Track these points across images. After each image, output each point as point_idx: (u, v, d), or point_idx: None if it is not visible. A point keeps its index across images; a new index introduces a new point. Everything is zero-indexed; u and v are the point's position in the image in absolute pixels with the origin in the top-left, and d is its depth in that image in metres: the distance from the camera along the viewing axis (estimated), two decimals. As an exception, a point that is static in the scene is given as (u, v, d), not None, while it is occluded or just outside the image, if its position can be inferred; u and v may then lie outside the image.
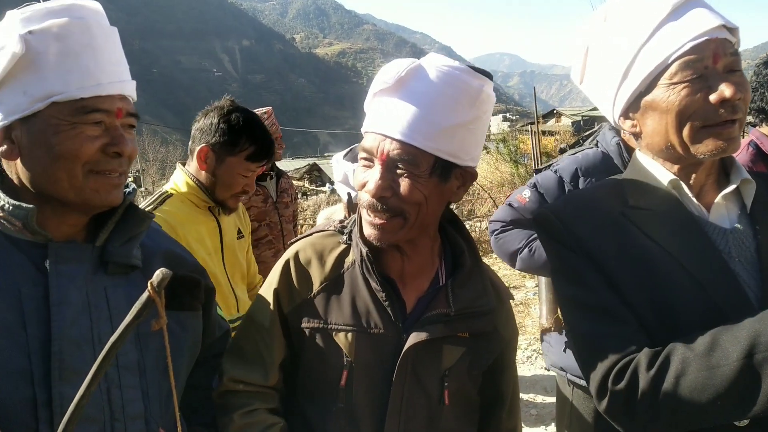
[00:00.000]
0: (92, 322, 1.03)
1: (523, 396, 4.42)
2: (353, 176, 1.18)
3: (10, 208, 1.01)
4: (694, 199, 1.12)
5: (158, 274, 0.72)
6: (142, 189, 22.93)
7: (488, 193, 14.06)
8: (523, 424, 4.02)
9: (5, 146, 1.01)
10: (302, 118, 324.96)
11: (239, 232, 2.30)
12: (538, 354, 5.11)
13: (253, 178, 2.11)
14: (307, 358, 1.23)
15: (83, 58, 1.00)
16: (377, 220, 1.13)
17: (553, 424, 3.97)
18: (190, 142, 2.10)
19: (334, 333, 1.19)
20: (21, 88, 0.97)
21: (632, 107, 1.14)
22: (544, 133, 21.04)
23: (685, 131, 1.07)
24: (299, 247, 1.28)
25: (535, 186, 2.41)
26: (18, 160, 1.02)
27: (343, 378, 1.18)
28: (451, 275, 1.26)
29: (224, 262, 2.13)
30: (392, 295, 1.20)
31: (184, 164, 2.13)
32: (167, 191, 2.05)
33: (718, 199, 1.12)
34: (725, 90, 1.01)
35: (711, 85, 1.03)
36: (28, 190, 1.03)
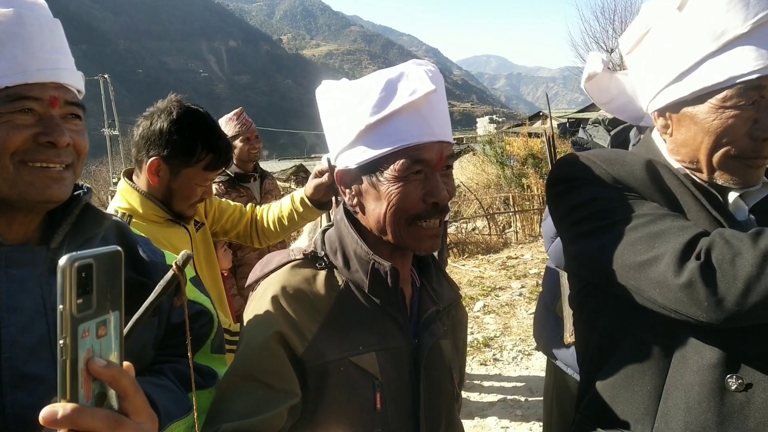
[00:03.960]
0: (49, 326, 0.99)
1: (508, 397, 4.45)
2: (385, 192, 1.06)
3: None
4: (711, 188, 1.11)
5: (183, 254, 0.79)
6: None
7: (474, 195, 14.12)
8: (508, 424, 4.06)
9: None
10: (289, 120, 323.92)
11: (197, 223, 2.13)
12: (523, 355, 5.14)
13: (211, 184, 1.97)
14: (333, 394, 1.08)
15: (9, 47, 0.96)
16: (437, 230, 1.10)
17: (537, 424, 3.99)
18: (133, 150, 1.87)
19: (359, 359, 1.09)
20: None
21: (672, 109, 1.11)
22: (530, 134, 21.12)
23: (717, 156, 1.05)
24: (280, 282, 1.11)
25: None
26: None
27: (378, 401, 1.09)
28: (420, 273, 1.26)
29: (203, 267, 2.07)
30: (403, 307, 1.15)
31: (129, 176, 1.93)
32: (122, 211, 1.84)
33: (737, 195, 1.10)
34: None
35: (759, 118, 1.01)
36: None
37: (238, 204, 2.38)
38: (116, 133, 28.49)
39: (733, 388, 1.00)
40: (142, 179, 1.87)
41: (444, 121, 1.09)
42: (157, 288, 0.79)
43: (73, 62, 1.09)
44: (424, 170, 1.05)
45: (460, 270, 9.07)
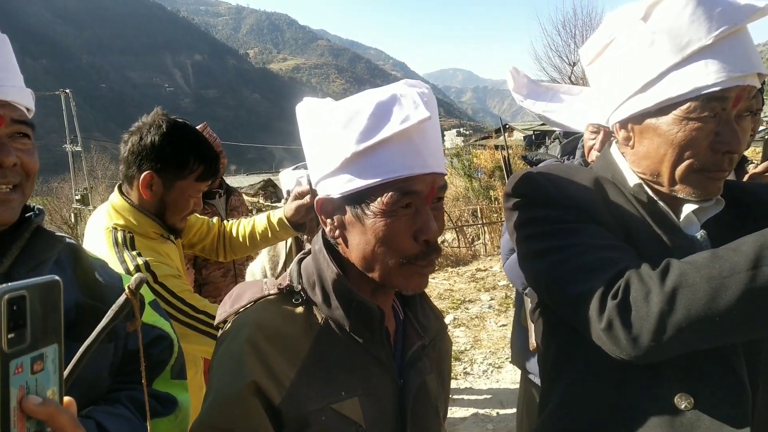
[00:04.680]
0: None
1: (479, 410, 4.44)
2: (372, 227, 0.97)
3: None
4: (662, 204, 1.11)
5: (136, 277, 0.79)
6: (90, 207, 22.22)
7: (443, 208, 14.20)
8: (479, 439, 4.04)
9: None
10: (257, 134, 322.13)
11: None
12: (494, 368, 5.15)
13: (201, 196, 1.98)
14: None
15: None
16: (430, 269, 1.01)
17: (509, 438, 3.98)
18: (122, 167, 1.86)
19: (341, 405, 0.99)
20: None
21: (635, 120, 1.10)
22: (497, 147, 21.42)
23: (680, 168, 1.05)
24: (254, 321, 0.99)
25: None
26: None
27: None
28: (404, 304, 1.17)
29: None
30: (388, 345, 1.06)
31: (120, 191, 1.89)
32: (121, 229, 1.81)
33: (690, 210, 1.10)
34: (733, 144, 1.00)
35: (720, 131, 1.00)
36: None
37: (205, 218, 2.36)
38: (79, 149, 27.88)
39: (682, 406, 1.00)
40: (133, 195, 1.86)
41: (437, 150, 0.99)
42: (108, 313, 0.77)
43: (22, 79, 1.06)
44: (414, 203, 0.96)
45: (430, 283, 9.06)
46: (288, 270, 1.13)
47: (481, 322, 6.59)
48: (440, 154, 1.01)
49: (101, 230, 1.82)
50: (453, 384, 4.90)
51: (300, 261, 1.11)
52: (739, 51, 0.99)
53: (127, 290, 0.77)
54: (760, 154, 2.36)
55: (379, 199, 0.94)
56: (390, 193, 0.94)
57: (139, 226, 1.84)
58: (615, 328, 0.95)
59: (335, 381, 1.00)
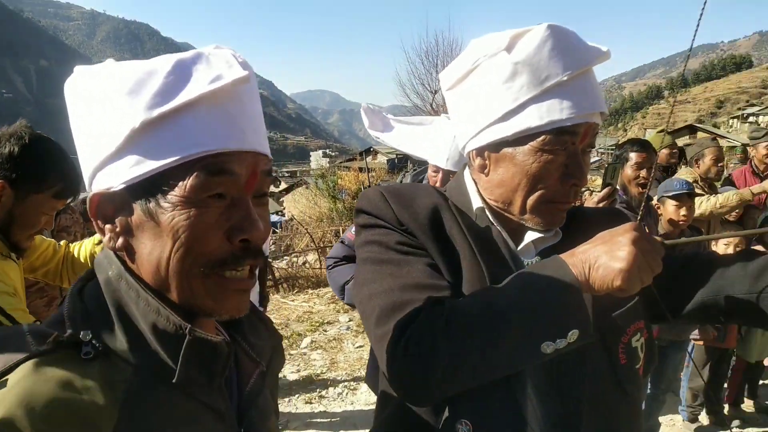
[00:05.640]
0: None
1: (333, 434, 4.41)
2: (169, 224, 0.71)
3: None
4: (503, 233, 1.13)
5: None
6: None
7: (306, 229, 14.11)
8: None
9: None
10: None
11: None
12: (349, 390, 5.16)
13: (53, 216, 1.85)
14: None
15: None
16: (248, 282, 0.78)
17: (362, 460, 4.00)
18: None
19: None
20: None
21: (492, 149, 1.10)
22: (361, 169, 21.79)
23: (532, 199, 1.08)
24: (21, 399, 0.61)
25: None
26: None
27: None
28: (228, 325, 0.92)
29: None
30: (225, 389, 0.82)
31: None
32: None
33: (531, 239, 1.14)
34: (579, 177, 1.05)
35: (569, 164, 1.05)
36: None
37: (52, 240, 2.20)
38: None
39: None
40: None
41: (259, 127, 0.77)
42: None
43: None
44: (229, 192, 0.73)
45: (289, 306, 8.94)
46: (62, 308, 0.76)
47: (339, 344, 6.60)
48: (263, 131, 0.79)
49: None
50: (307, 408, 4.84)
51: (80, 293, 0.77)
52: (588, 90, 1.05)
53: None
54: (598, 181, 2.64)
55: (180, 183, 0.70)
56: (195, 174, 0.70)
57: None
58: (401, 373, 0.97)
59: None
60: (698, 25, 1.06)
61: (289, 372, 5.75)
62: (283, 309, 8.69)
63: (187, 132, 0.69)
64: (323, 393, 5.15)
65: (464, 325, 0.93)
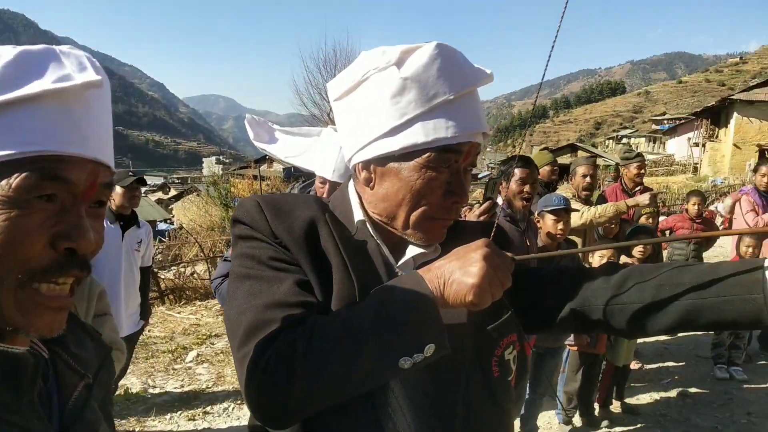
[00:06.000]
0: None
1: (217, 451, 4.24)
2: None
3: None
4: (382, 247, 1.12)
5: None
6: None
7: (195, 239, 13.59)
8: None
9: None
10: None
11: None
12: (236, 405, 5.00)
13: None
14: None
15: None
16: (66, 301, 0.71)
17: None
18: None
19: None
20: None
21: (378, 162, 1.09)
22: (255, 177, 21.36)
23: (415, 215, 1.07)
24: None
25: None
26: None
27: None
28: (49, 339, 0.79)
29: None
30: (40, 405, 0.74)
31: None
32: None
33: (412, 255, 1.13)
34: (461, 195, 1.06)
35: (452, 181, 1.06)
36: None
37: None
38: None
39: None
40: None
41: (105, 136, 0.73)
42: None
43: None
44: (61, 197, 0.67)
45: (176, 318, 8.55)
46: None
47: (226, 357, 6.38)
48: (109, 143, 0.75)
49: None
50: (190, 425, 4.63)
51: None
52: (472, 110, 1.07)
53: None
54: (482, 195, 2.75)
55: (5, 181, 0.63)
56: (25, 174, 0.64)
57: None
58: (258, 398, 0.94)
59: None
60: (549, 56, 1.10)
61: (172, 388, 5.48)
62: (169, 321, 8.30)
63: (24, 128, 0.64)
64: (208, 409, 4.95)
65: (323, 345, 0.91)
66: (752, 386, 5.23)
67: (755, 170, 6.14)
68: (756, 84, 38.02)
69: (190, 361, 6.31)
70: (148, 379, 5.76)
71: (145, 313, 4.45)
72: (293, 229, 1.08)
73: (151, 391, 5.44)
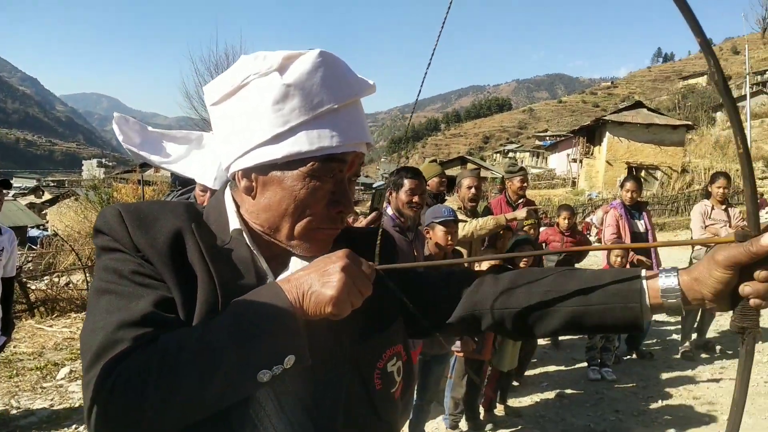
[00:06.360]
0: None
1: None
2: None
3: None
4: (259, 258, 1.08)
5: None
6: None
7: (71, 246, 12.66)
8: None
9: None
10: None
11: None
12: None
13: None
14: None
15: None
16: None
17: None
18: None
19: None
20: None
21: (260, 171, 1.05)
22: (140, 182, 20.26)
23: (300, 225, 1.05)
24: None
25: None
26: None
27: None
28: None
29: None
30: None
31: None
32: None
33: (295, 266, 1.08)
34: (345, 204, 1.05)
35: (336, 191, 1.05)
36: None
37: None
38: None
39: None
40: None
41: None
42: None
43: None
44: None
45: (47, 332, 7.91)
46: None
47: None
48: None
49: None
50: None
51: None
52: (356, 120, 1.06)
53: None
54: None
55: None
56: None
57: None
58: (107, 425, 0.88)
59: None
60: (425, 75, 1.12)
61: (39, 407, 5.05)
62: (39, 336, 7.66)
63: None
64: (81, 429, 4.61)
65: (176, 362, 0.87)
66: (620, 386, 5.66)
67: (621, 186, 6.71)
68: (624, 107, 41.71)
69: (62, 378, 5.85)
70: (11, 399, 5.27)
71: (7, 327, 4.10)
72: (156, 241, 1.03)
73: (13, 412, 4.98)
